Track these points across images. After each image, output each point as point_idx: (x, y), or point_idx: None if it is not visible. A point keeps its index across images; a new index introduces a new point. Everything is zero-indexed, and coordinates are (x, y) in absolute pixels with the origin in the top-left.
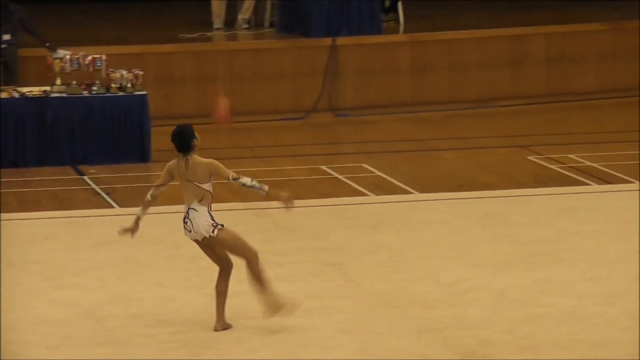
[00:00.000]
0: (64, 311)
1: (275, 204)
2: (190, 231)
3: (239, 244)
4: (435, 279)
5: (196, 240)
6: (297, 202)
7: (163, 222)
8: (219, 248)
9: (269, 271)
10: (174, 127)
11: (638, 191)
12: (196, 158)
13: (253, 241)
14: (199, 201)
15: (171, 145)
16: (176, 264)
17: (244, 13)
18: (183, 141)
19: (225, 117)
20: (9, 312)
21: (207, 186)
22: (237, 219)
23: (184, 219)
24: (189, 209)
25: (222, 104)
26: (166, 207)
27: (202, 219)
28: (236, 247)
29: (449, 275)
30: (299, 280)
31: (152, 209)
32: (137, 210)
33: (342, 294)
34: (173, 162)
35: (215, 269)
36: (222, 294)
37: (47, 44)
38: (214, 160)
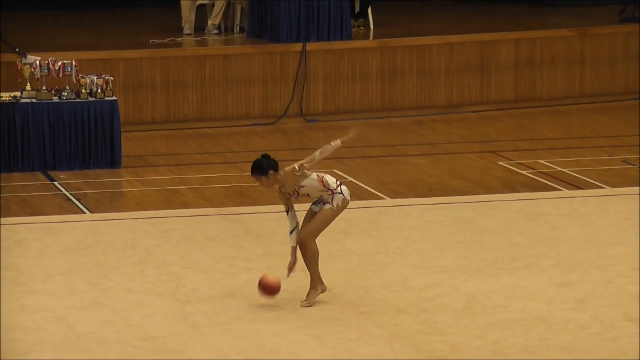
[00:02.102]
0: (34, 317)
1: (244, 209)
2: None
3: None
4: (405, 284)
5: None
6: (266, 208)
7: (133, 227)
8: None
9: (237, 277)
10: (143, 132)
11: (608, 196)
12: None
13: (222, 247)
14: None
15: (141, 151)
16: (146, 269)
17: (214, 18)
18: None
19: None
20: None
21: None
22: (207, 224)
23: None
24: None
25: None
26: (136, 212)
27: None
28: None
29: (420, 280)
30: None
31: (122, 215)
32: (108, 215)
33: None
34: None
35: (185, 276)
36: None
37: (17, 49)
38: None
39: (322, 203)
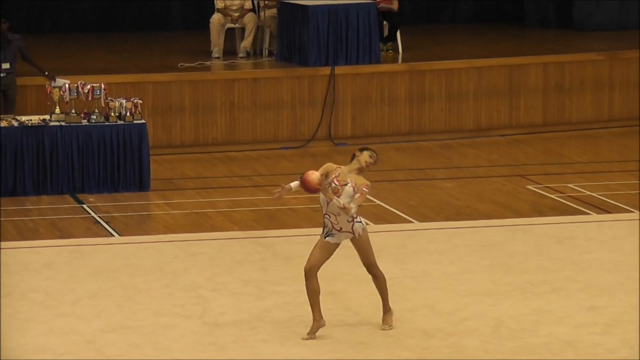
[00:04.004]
0: (62, 340)
1: (272, 232)
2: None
3: None
4: (433, 308)
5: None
6: (294, 232)
7: (161, 250)
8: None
9: (265, 301)
10: (172, 156)
11: (637, 220)
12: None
13: (250, 270)
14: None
15: (169, 175)
16: (174, 292)
17: (245, 42)
18: None
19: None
20: (7, 341)
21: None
22: (236, 247)
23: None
24: None
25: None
26: (164, 235)
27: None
28: None
29: (447, 304)
30: (297, 309)
31: (150, 238)
32: (136, 238)
33: (339, 323)
34: None
35: (212, 299)
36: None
37: (46, 73)
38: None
39: (334, 232)
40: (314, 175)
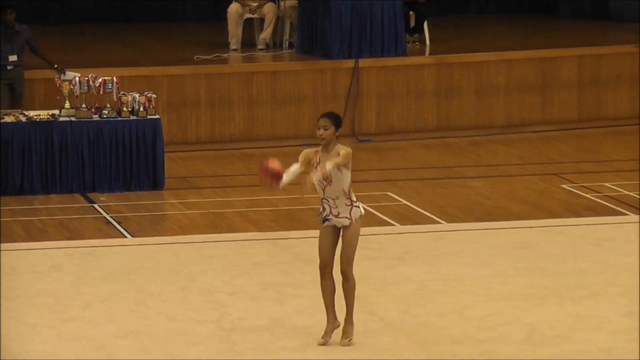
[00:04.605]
0: (71, 346)
1: (292, 233)
2: None
3: None
4: (462, 313)
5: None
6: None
7: (176, 252)
8: None
9: (286, 304)
10: (187, 153)
11: None
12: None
13: (270, 273)
14: None
15: (185, 173)
16: (190, 296)
17: (264, 33)
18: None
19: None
20: (14, 347)
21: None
22: (254, 249)
23: None
24: None
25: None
26: (179, 236)
27: None
28: None
29: (478, 309)
30: (318, 313)
31: (164, 239)
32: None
33: (364, 328)
34: None
35: (230, 303)
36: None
37: (55, 66)
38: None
39: (331, 217)
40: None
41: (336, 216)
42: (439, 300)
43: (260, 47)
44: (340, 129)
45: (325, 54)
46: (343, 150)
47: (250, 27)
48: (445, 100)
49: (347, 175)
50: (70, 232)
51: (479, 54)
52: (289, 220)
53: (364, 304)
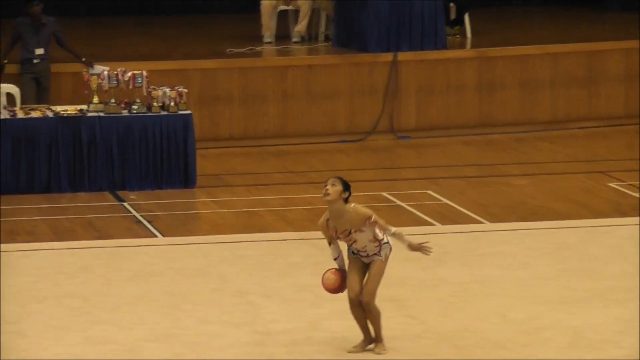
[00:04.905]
0: (100, 349)
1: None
2: None
3: None
4: (504, 316)
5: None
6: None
7: (208, 252)
8: None
9: (322, 308)
10: (220, 149)
11: None
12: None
13: (306, 274)
14: None
15: (217, 170)
16: (222, 298)
17: (299, 26)
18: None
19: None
20: (42, 350)
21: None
22: (289, 249)
23: None
24: None
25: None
26: (211, 236)
27: None
28: None
29: (520, 312)
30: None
31: (196, 239)
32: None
33: (402, 332)
34: None
35: (264, 305)
36: None
37: (83, 59)
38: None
39: (361, 256)
40: (329, 280)
41: (366, 256)
42: (479, 303)
43: (295, 40)
44: (349, 194)
45: (362, 47)
46: (362, 211)
47: (285, 19)
48: (487, 95)
49: (370, 228)
50: (99, 232)
51: (522, 47)
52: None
53: (403, 307)
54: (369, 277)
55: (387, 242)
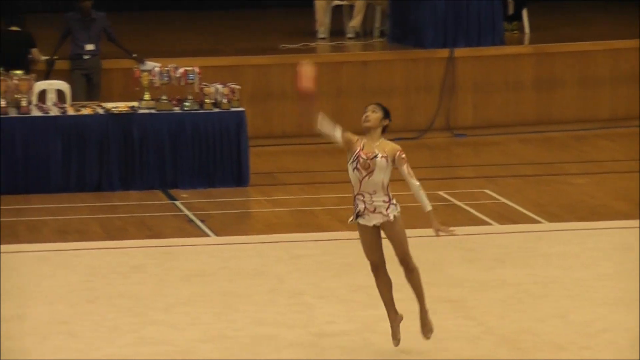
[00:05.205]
0: (153, 350)
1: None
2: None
3: None
4: (564, 318)
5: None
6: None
7: (262, 252)
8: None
9: (380, 309)
10: (273, 147)
11: None
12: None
13: (362, 274)
14: None
15: (270, 168)
16: (277, 299)
17: (354, 21)
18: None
19: (308, 88)
20: (93, 350)
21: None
22: (345, 249)
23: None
24: None
25: (306, 72)
26: (265, 236)
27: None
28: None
29: (580, 314)
30: (413, 318)
31: (249, 238)
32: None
33: (461, 334)
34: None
35: (319, 306)
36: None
37: (134, 55)
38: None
39: (365, 214)
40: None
41: (372, 212)
42: (539, 304)
43: (349, 35)
44: (389, 122)
45: (418, 43)
46: (401, 154)
47: (339, 14)
48: (546, 92)
49: (390, 170)
50: (151, 231)
51: (582, 43)
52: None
53: (461, 309)
54: (394, 243)
55: (395, 205)
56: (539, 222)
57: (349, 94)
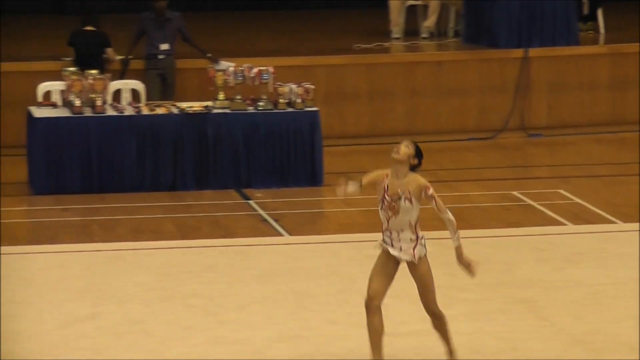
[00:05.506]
0: (226, 350)
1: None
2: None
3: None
4: (638, 319)
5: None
6: (482, 232)
7: (336, 252)
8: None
9: (452, 309)
10: (347, 147)
11: None
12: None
13: (435, 275)
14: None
15: (344, 168)
16: (350, 298)
17: (428, 21)
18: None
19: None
20: (167, 350)
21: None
22: None
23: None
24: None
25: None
26: (339, 235)
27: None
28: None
29: None
30: (485, 318)
31: (323, 238)
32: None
33: (533, 334)
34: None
35: (392, 306)
36: None
37: (209, 55)
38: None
39: (394, 250)
40: None
41: (399, 250)
42: (613, 305)
43: (423, 35)
44: (418, 162)
45: (492, 43)
46: (422, 180)
47: (414, 14)
48: (621, 92)
49: (417, 208)
50: (225, 230)
51: None
52: (455, 219)
53: (533, 309)
54: (420, 287)
55: (424, 245)
56: (613, 222)
57: (423, 94)
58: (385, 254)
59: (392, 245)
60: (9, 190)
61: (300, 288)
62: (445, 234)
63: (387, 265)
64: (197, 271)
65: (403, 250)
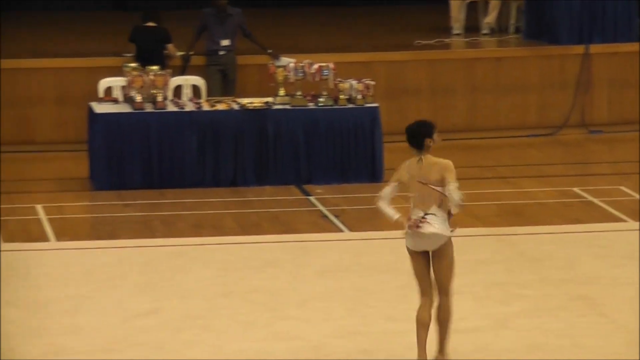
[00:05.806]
0: (286, 345)
1: (518, 229)
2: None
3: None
4: None
5: (424, 252)
6: (544, 229)
7: (396, 248)
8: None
9: (511, 305)
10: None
11: None
12: (430, 158)
13: (494, 270)
14: (439, 206)
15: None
16: (410, 295)
17: (489, 17)
18: (414, 137)
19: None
20: (227, 345)
21: (443, 190)
22: (478, 245)
23: (417, 224)
24: (426, 214)
25: None
26: (398, 232)
27: (444, 224)
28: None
29: None
30: (545, 315)
31: (383, 234)
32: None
33: (594, 331)
34: (407, 161)
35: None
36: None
37: (269, 51)
38: (450, 163)
39: (423, 223)
40: None
41: (433, 227)
42: None
43: (484, 31)
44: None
45: (553, 39)
46: (443, 161)
47: (474, 10)
48: None
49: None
50: (285, 226)
51: None
52: (515, 216)
53: (593, 305)
54: (440, 270)
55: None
56: None
57: (483, 90)
58: (413, 255)
59: (424, 225)
60: (70, 186)
61: (360, 284)
62: (506, 230)
63: (423, 261)
64: (257, 267)
65: (434, 235)
